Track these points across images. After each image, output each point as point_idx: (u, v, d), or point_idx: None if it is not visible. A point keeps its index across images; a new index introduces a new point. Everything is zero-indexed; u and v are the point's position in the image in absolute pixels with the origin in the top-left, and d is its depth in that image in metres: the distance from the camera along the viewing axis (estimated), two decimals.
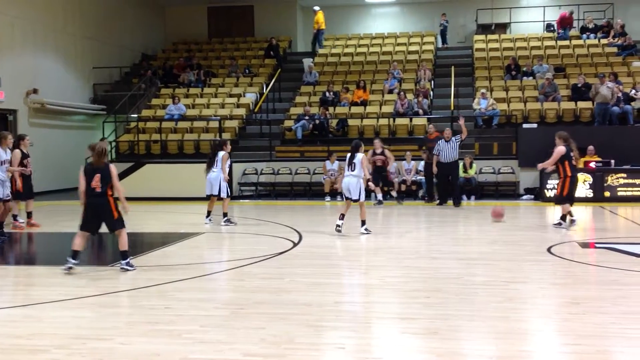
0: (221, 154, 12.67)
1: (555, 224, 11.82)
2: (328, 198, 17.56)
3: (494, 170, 18.17)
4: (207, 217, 12.85)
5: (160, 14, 28.99)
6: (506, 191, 17.93)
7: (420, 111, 20.04)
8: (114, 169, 8.35)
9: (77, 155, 20.80)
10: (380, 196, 15.83)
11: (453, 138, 15.72)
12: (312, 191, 18.42)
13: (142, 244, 11.26)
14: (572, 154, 11.57)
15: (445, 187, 16.10)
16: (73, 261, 8.07)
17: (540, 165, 12.20)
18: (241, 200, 17.97)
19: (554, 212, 15.13)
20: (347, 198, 11.28)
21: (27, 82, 20.09)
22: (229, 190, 12.91)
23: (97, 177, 8.13)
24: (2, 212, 10.87)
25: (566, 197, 11.59)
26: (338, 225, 11.15)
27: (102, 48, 24.29)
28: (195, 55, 26.10)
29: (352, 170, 11.03)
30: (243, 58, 26.00)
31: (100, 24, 24.23)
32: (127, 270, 8.15)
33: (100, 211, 8.15)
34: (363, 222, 11.22)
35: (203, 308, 6.37)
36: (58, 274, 8.23)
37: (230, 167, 14.21)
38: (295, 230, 11.71)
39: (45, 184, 18.90)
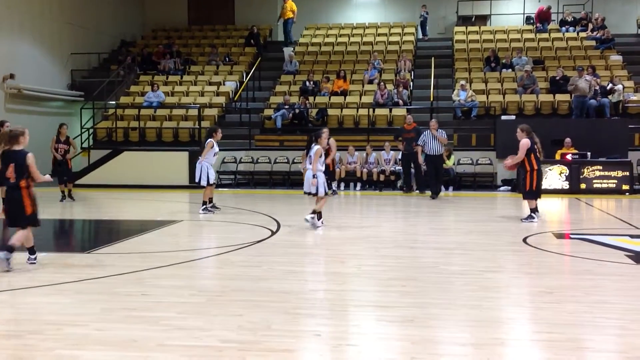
0: (209, 141, 12.54)
1: (524, 219, 11.44)
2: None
3: (472, 161, 18.31)
4: (204, 206, 12.69)
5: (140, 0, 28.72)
6: (484, 182, 18.08)
7: (400, 102, 20.10)
8: (31, 158, 7.50)
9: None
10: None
11: (439, 130, 15.64)
12: (291, 180, 18.42)
13: (119, 231, 11.22)
14: (535, 146, 11.32)
15: (428, 178, 16.04)
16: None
17: (508, 163, 11.66)
18: (220, 189, 17.92)
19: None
20: (306, 193, 10.80)
21: (4, 67, 19.82)
22: (209, 178, 12.65)
23: (12, 166, 7.42)
24: None
25: (535, 191, 11.40)
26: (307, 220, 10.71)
27: (81, 33, 24.02)
28: (175, 42, 25.88)
29: (310, 163, 10.51)
30: (223, 46, 25.85)
31: (79, 9, 23.94)
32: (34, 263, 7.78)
33: (11, 205, 7.49)
34: (314, 211, 10.71)
35: (180, 295, 6.37)
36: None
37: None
38: (273, 219, 11.72)
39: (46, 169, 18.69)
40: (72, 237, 11.15)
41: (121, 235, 10.42)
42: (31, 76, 20.84)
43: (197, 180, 12.60)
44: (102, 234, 11.23)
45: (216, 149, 12.73)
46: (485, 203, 15.15)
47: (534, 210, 11.50)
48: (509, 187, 17.32)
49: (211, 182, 12.61)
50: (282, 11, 25.17)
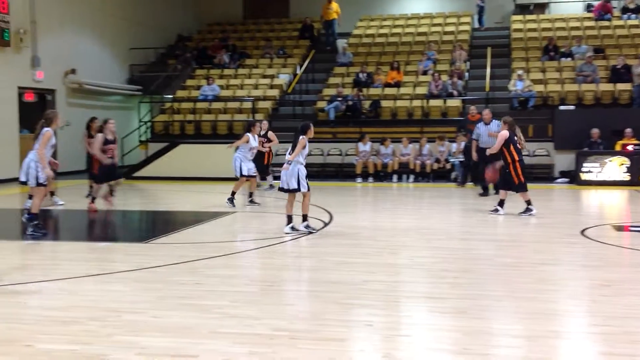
0: (246, 135, 12.63)
1: (522, 213, 11.13)
2: (359, 179, 17.58)
3: (529, 152, 17.96)
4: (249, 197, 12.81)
5: None
6: (541, 174, 17.72)
7: (455, 92, 19.87)
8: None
9: None
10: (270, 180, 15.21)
11: (494, 121, 14.38)
12: (343, 172, 18.43)
13: (175, 222, 11.45)
14: (516, 137, 11.16)
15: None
16: None
17: (488, 151, 11.57)
18: (274, 181, 18.05)
19: (590, 195, 14.95)
20: (280, 189, 9.56)
21: (66, 63, 20.40)
22: (242, 170, 12.57)
23: None
24: (34, 200, 10.64)
25: (524, 183, 11.16)
26: (293, 228, 9.36)
27: (139, 29, 24.51)
28: (230, 36, 26.17)
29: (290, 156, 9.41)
30: (277, 39, 25.98)
31: (138, 5, 24.43)
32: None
33: None
34: (304, 217, 9.42)
35: (233, 284, 6.47)
36: (94, 249, 8.43)
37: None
38: (326, 210, 11.76)
39: (82, 163, 19.19)
40: (130, 228, 11.44)
41: (177, 225, 10.63)
42: (91, 71, 21.39)
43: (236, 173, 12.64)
44: (159, 224, 11.49)
45: (252, 143, 12.69)
46: (542, 195, 14.85)
47: (530, 202, 11.18)
48: (567, 179, 16.95)
49: (244, 173, 12.56)
50: (325, 12, 24.68)
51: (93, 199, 11.87)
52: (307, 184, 9.36)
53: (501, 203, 11.30)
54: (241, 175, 12.59)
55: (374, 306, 5.73)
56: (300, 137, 9.35)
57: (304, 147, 9.41)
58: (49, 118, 9.61)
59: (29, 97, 19.35)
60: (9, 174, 17.11)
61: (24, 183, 10.02)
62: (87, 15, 21.58)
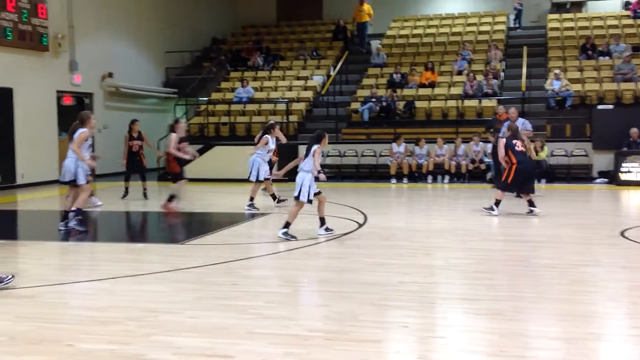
0: (265, 137, 12.43)
1: (485, 208, 11.28)
2: (394, 180, 17.52)
3: (566, 152, 17.71)
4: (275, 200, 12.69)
5: None
6: (579, 174, 17.46)
7: (490, 92, 19.69)
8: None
9: (150, 138, 21.39)
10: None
11: (521, 120, 14.58)
12: (377, 173, 18.40)
13: (211, 223, 11.56)
14: (515, 141, 11.24)
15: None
16: None
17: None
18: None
19: (629, 196, 14.69)
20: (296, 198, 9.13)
21: (103, 66, 20.73)
22: (259, 174, 12.37)
23: None
24: (80, 195, 10.91)
25: (509, 185, 11.30)
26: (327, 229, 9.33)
27: (175, 33, 24.79)
28: (264, 38, 26.33)
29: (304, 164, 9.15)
30: (311, 41, 26.05)
31: (173, 8, 24.71)
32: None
33: None
34: (287, 224, 9.10)
35: (268, 285, 6.51)
36: (132, 250, 8.55)
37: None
38: (360, 211, 11.76)
39: (119, 165, 19.48)
40: (167, 229, 11.57)
41: (212, 227, 10.73)
42: (128, 74, 21.70)
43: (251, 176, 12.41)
44: (195, 225, 11.60)
45: (271, 145, 12.52)
46: (580, 195, 14.65)
47: (498, 203, 11.23)
48: (606, 179, 16.67)
49: (261, 178, 12.36)
50: (357, 14, 24.46)
51: (172, 197, 11.92)
52: (310, 193, 8.96)
53: (498, 203, 11.30)
54: (257, 180, 12.42)
55: (409, 307, 5.72)
56: (316, 146, 9.05)
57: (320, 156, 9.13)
58: (83, 119, 9.85)
59: (67, 101, 19.71)
60: (49, 176, 17.46)
61: (65, 184, 10.30)
62: (124, 19, 21.90)
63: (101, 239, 10.28)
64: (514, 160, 11.18)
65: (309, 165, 8.99)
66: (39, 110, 17.94)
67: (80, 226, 9.80)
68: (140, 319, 5.42)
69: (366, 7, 24.21)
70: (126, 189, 14.33)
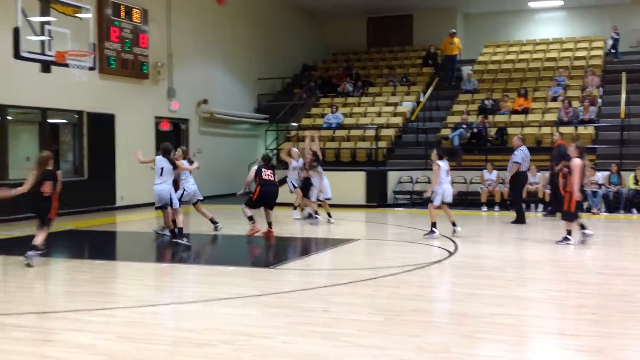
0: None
1: (560, 241, 10.80)
2: (485, 208, 17.17)
3: None
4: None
5: (321, 25, 29.76)
6: None
7: (586, 119, 19.06)
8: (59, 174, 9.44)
9: (242, 162, 21.91)
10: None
11: (520, 147, 14.36)
12: (468, 200, 18.09)
13: (299, 248, 11.65)
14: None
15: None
16: None
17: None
18: (396, 208, 18.03)
19: None
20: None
21: (199, 93, 21.42)
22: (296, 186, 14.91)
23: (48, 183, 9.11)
24: (173, 216, 11.36)
25: (574, 213, 10.72)
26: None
27: (267, 60, 25.37)
28: (354, 65, 26.55)
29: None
30: (401, 67, 26.07)
31: (266, 37, 25.32)
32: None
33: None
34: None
35: (359, 313, 6.48)
36: (223, 273, 8.73)
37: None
38: (450, 239, 11.57)
39: (212, 189, 20.00)
40: (256, 253, 11.75)
41: (301, 252, 10.82)
42: (222, 101, 22.32)
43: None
44: (284, 250, 11.72)
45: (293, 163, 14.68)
46: None
47: (570, 232, 10.78)
48: None
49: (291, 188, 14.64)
50: (446, 47, 23.94)
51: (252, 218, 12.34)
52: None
53: (570, 232, 10.89)
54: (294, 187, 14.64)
55: (504, 341, 5.56)
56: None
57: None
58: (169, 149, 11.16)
59: (165, 126, 20.46)
60: (146, 198, 18.08)
61: (160, 209, 10.88)
62: (219, 47, 22.59)
63: (194, 262, 10.53)
64: (568, 188, 10.75)
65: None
66: (138, 136, 18.67)
67: (185, 242, 10.90)
68: (233, 342, 5.51)
69: (457, 40, 23.91)
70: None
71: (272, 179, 12.28)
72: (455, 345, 5.37)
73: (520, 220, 14.16)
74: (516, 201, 14.62)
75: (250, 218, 12.16)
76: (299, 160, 14.96)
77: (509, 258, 10.09)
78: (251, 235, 12.02)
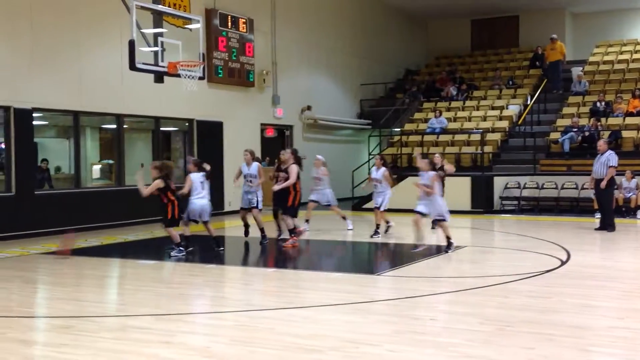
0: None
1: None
2: (598, 215, 16.42)
3: None
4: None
5: (424, 29, 29.54)
6: None
7: None
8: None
9: (345, 168, 22.02)
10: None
11: (608, 151, 13.86)
12: (579, 207, 17.41)
13: (405, 254, 11.58)
14: None
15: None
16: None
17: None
18: (502, 215, 17.60)
19: None
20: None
21: (303, 100, 21.75)
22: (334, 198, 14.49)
23: None
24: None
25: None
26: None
27: (369, 65, 25.42)
28: (458, 68, 26.15)
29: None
30: (506, 69, 25.44)
31: (369, 43, 25.38)
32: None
33: None
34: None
35: (468, 322, 6.37)
36: (330, 279, 8.81)
37: None
38: (562, 247, 11.16)
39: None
40: (361, 259, 11.77)
41: (407, 259, 10.74)
42: (325, 107, 22.55)
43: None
44: (389, 257, 11.69)
45: (313, 173, 14.58)
46: None
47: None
48: None
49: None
50: (549, 53, 23.11)
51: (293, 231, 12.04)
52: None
53: None
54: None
55: (622, 355, 5.32)
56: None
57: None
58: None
59: (270, 133, 20.89)
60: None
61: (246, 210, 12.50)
62: (322, 54, 22.85)
63: (300, 267, 10.67)
64: None
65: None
66: (244, 142, 19.07)
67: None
68: (341, 348, 5.54)
69: (559, 45, 23.02)
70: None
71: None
72: (570, 359, 5.18)
73: (611, 227, 13.56)
74: (610, 207, 13.98)
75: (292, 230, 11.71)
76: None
77: (627, 268, 9.62)
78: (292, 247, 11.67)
